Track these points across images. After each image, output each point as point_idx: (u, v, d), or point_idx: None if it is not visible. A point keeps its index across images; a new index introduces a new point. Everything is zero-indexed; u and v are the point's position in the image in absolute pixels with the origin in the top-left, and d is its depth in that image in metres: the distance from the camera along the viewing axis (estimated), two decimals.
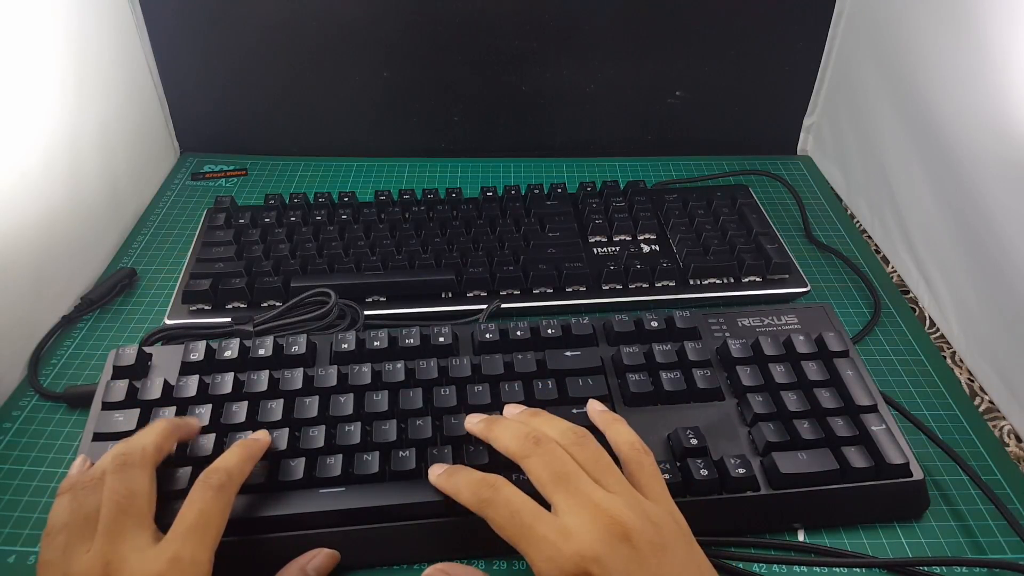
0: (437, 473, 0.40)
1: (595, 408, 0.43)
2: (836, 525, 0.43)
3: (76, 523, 0.35)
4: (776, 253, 0.59)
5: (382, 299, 0.57)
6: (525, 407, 0.43)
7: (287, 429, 0.43)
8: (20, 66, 0.53)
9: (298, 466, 0.41)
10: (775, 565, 0.41)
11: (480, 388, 0.45)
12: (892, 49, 0.63)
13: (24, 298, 0.52)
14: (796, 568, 0.41)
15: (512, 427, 0.39)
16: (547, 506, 0.35)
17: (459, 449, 0.43)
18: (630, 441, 0.39)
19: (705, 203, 0.65)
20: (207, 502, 0.36)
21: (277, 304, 0.55)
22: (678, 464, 0.42)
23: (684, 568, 0.33)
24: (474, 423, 0.41)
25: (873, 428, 0.44)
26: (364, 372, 0.46)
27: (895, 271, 0.64)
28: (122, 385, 0.45)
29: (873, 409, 0.45)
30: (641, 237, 0.63)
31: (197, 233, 0.63)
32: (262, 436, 0.42)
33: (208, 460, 0.41)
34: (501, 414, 0.42)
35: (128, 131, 0.67)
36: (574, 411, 0.44)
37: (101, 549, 0.33)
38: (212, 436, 0.43)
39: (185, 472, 0.41)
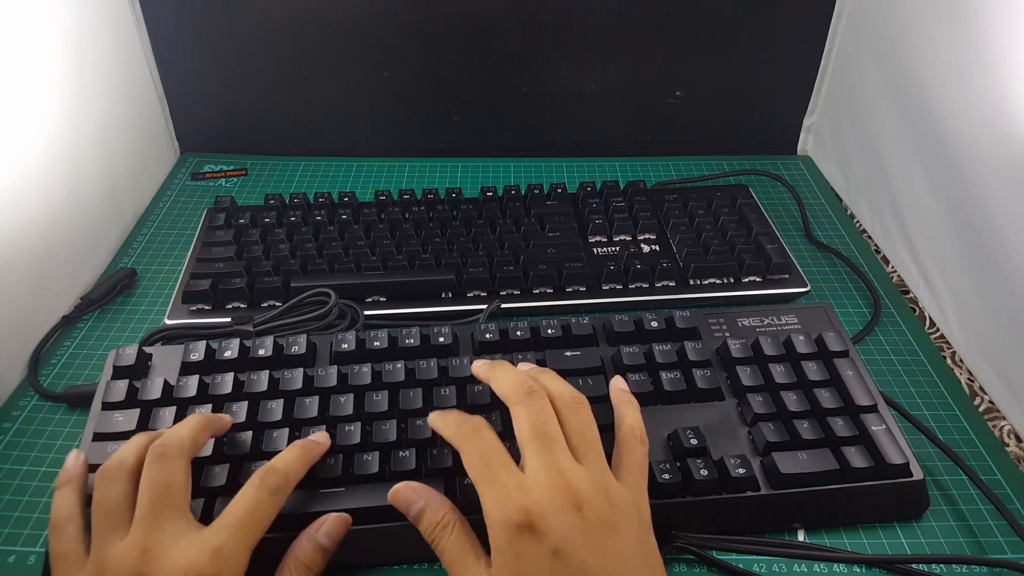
0: (433, 415, 0.40)
1: (617, 385, 0.43)
2: (836, 525, 0.43)
3: (101, 512, 0.35)
4: (776, 253, 0.59)
5: (382, 299, 0.57)
6: (536, 365, 0.43)
7: (287, 429, 0.43)
8: (20, 66, 0.53)
9: None
10: (775, 563, 0.41)
11: (480, 388, 0.45)
12: (892, 49, 0.63)
13: (24, 298, 0.52)
14: (796, 567, 0.41)
15: (513, 373, 0.39)
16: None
17: None
18: (632, 426, 0.39)
19: (705, 203, 0.65)
20: (261, 502, 0.36)
21: (277, 304, 0.55)
22: (678, 464, 0.42)
23: (629, 549, 0.34)
24: (479, 364, 0.42)
25: (873, 428, 0.44)
26: (364, 372, 0.46)
27: (895, 271, 0.64)
28: (122, 385, 0.45)
29: (873, 409, 0.45)
30: (641, 237, 0.63)
31: (197, 233, 0.63)
32: (323, 439, 0.41)
33: (206, 461, 0.41)
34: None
35: (128, 131, 0.67)
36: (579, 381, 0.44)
37: (139, 536, 0.34)
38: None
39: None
